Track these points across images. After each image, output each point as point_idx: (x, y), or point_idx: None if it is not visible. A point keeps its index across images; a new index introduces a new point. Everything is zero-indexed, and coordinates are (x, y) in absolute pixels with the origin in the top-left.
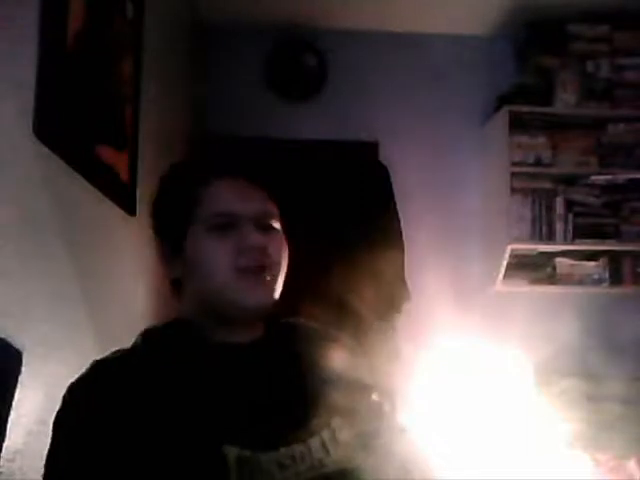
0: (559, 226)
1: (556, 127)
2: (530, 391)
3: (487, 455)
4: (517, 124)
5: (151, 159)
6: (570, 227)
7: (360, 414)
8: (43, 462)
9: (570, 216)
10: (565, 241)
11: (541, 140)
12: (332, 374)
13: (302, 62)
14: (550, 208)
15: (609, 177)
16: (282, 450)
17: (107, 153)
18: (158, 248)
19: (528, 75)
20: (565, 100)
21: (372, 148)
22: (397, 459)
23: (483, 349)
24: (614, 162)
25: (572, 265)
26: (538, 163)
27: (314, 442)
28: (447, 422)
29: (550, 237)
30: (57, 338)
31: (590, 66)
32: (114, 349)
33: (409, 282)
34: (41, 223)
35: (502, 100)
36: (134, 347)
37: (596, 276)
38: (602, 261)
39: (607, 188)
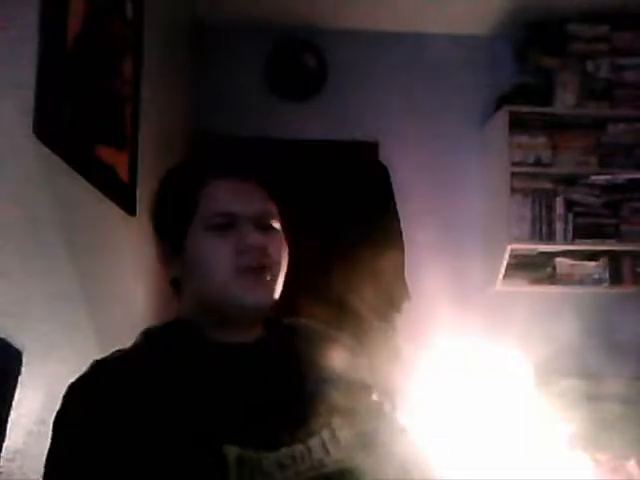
0: (559, 226)
1: (556, 127)
2: (530, 391)
3: (487, 455)
4: (517, 124)
5: (151, 159)
6: (570, 227)
7: (360, 414)
8: (43, 462)
9: (570, 216)
10: (565, 241)
11: (541, 140)
12: (332, 374)
13: (302, 62)
14: (550, 208)
15: (609, 177)
16: (282, 450)
17: (107, 153)
18: (158, 248)
19: (528, 75)
20: (565, 100)
21: (372, 148)
22: (397, 459)
23: (483, 349)
24: (614, 162)
25: (572, 265)
26: (538, 163)
27: (314, 442)
28: (447, 422)
29: (550, 237)
30: (57, 338)
31: (590, 66)
32: (114, 349)
33: (409, 282)
34: (41, 223)
35: (502, 100)
36: (135, 347)
37: (596, 276)
38: (602, 261)
39: (607, 188)
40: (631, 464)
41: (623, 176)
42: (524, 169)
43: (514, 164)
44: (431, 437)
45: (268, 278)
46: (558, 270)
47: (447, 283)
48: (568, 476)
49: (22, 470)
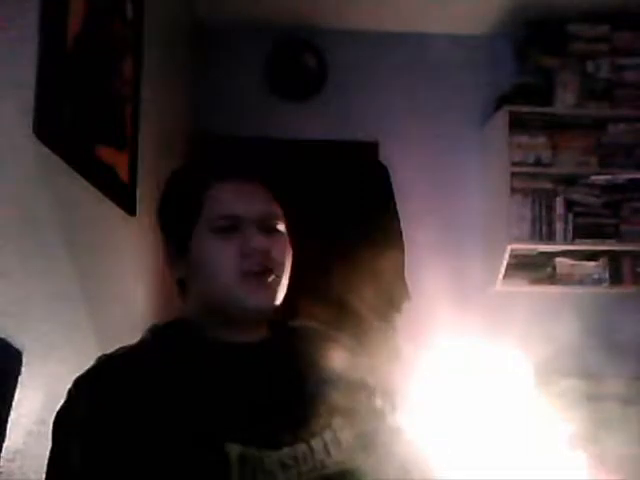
0: (559, 226)
1: (556, 127)
2: (530, 391)
3: (487, 455)
4: (517, 124)
5: (151, 159)
6: (570, 227)
7: (360, 414)
8: (43, 462)
9: (570, 216)
10: (565, 241)
11: (541, 140)
12: (334, 375)
13: (302, 62)
14: (550, 208)
15: (609, 177)
16: (285, 450)
17: (107, 153)
18: (163, 248)
19: (528, 75)
20: (565, 100)
21: (372, 148)
22: (397, 459)
23: (483, 349)
24: (614, 162)
25: (572, 265)
26: (538, 163)
27: (316, 443)
28: (447, 422)
29: (550, 237)
30: (57, 338)
31: (590, 66)
32: (113, 349)
33: (409, 282)
34: (41, 223)
35: (502, 100)
36: (141, 343)
37: (596, 276)
38: (602, 261)
39: (607, 188)
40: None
41: (623, 176)
42: (524, 169)
43: (514, 164)
44: (431, 437)
45: (271, 281)
46: (558, 270)
47: (447, 283)
48: (568, 476)
49: (22, 470)
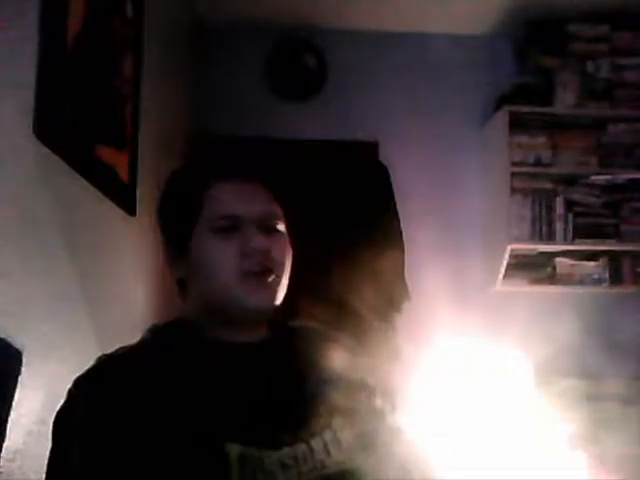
0: (559, 226)
1: (556, 127)
2: (530, 391)
3: (487, 455)
4: (517, 124)
5: (151, 159)
6: (570, 227)
7: (360, 414)
8: (43, 462)
9: (570, 216)
10: (565, 241)
11: (541, 140)
12: (333, 375)
13: (302, 62)
14: (550, 208)
15: (609, 177)
16: (285, 450)
17: (107, 153)
18: (163, 248)
19: (528, 75)
20: (565, 100)
21: (372, 148)
22: (397, 459)
23: (483, 349)
24: (614, 162)
25: (572, 265)
26: (538, 163)
27: (316, 443)
28: (447, 422)
29: (550, 237)
30: (57, 338)
31: (590, 66)
32: (114, 349)
33: (409, 282)
34: (41, 223)
35: (502, 100)
36: (141, 343)
37: (596, 276)
38: (602, 261)
39: (607, 188)
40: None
41: (623, 176)
42: (524, 169)
43: (514, 164)
44: (431, 437)
45: (271, 281)
46: (558, 270)
47: (447, 283)
48: (568, 476)
49: (22, 470)
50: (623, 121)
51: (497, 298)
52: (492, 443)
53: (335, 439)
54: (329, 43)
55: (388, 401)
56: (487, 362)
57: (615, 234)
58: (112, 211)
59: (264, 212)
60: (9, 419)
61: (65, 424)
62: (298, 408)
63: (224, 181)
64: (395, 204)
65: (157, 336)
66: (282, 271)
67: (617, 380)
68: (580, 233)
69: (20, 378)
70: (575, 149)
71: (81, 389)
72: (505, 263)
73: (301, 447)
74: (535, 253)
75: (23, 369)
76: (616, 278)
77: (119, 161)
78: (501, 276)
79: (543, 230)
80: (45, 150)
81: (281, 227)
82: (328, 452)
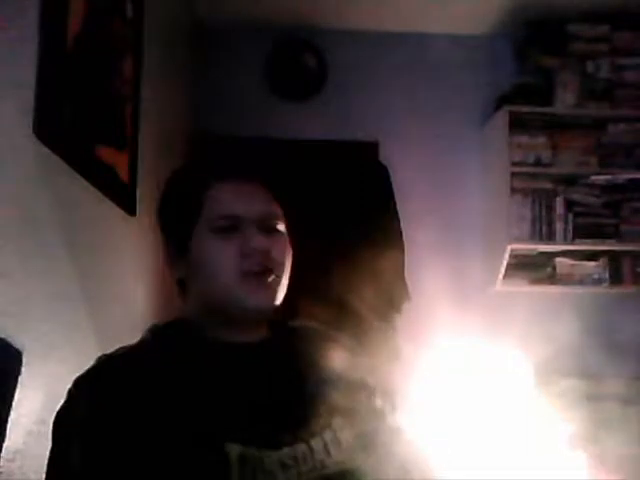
0: (559, 226)
1: (556, 127)
2: (530, 391)
3: (487, 455)
4: (517, 124)
5: (151, 159)
6: (570, 227)
7: (360, 414)
8: (43, 462)
9: (570, 216)
10: (565, 241)
11: (541, 140)
12: (333, 375)
13: (302, 62)
14: (550, 208)
15: (609, 177)
16: (285, 450)
17: (107, 153)
18: (163, 248)
19: (528, 75)
20: (565, 100)
21: (372, 148)
22: (397, 459)
23: (483, 349)
24: (614, 162)
25: (572, 265)
26: (538, 163)
27: (316, 443)
28: (447, 422)
29: (550, 237)
30: (57, 338)
31: (590, 66)
32: (113, 349)
33: (409, 282)
34: (41, 223)
35: (502, 100)
36: (141, 343)
37: (596, 276)
38: (602, 261)
39: (607, 188)
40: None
41: (623, 176)
42: (524, 169)
43: (514, 164)
44: (431, 437)
45: (271, 281)
46: (558, 270)
47: (447, 283)
48: (568, 476)
49: (22, 470)
50: (623, 121)
51: (497, 298)
52: (492, 443)
53: (335, 439)
54: (329, 43)
55: (388, 401)
56: (487, 362)
57: (615, 234)
58: (112, 211)
59: (264, 212)
60: (9, 419)
61: (65, 424)
62: (298, 408)
63: (224, 181)
64: (395, 204)
65: (157, 336)
66: (282, 271)
67: (617, 380)
68: (580, 233)
69: (20, 378)
70: (575, 149)
71: (81, 389)
72: (505, 263)
73: (301, 447)
74: (535, 253)
75: (23, 369)
76: (616, 278)
77: (119, 161)
78: (501, 276)
79: (543, 230)
80: (45, 150)
81: (281, 227)
82: (328, 452)
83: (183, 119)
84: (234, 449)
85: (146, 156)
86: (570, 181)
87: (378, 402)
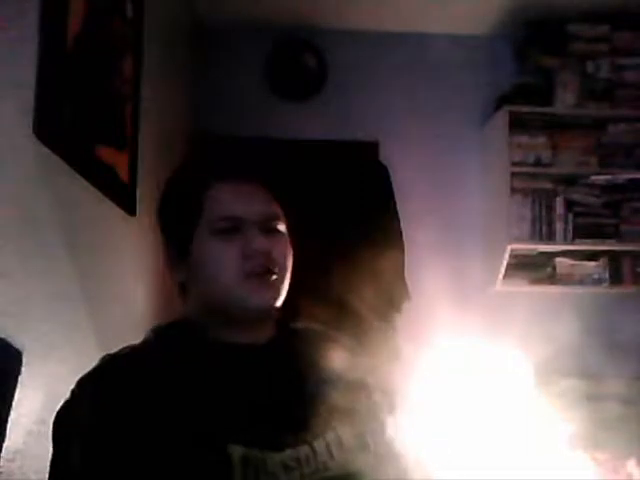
0: (559, 226)
1: (556, 127)
2: (530, 391)
3: (487, 455)
4: (517, 124)
5: (151, 159)
6: (570, 227)
7: (361, 415)
8: (43, 462)
9: (570, 216)
10: (565, 241)
11: (541, 140)
12: (335, 377)
13: (302, 62)
14: (550, 208)
15: (609, 177)
16: (287, 452)
17: (107, 153)
18: (164, 251)
19: (528, 75)
20: (565, 100)
21: (372, 148)
22: (397, 459)
23: (483, 349)
24: (614, 162)
25: (572, 265)
26: (538, 163)
27: (319, 445)
28: (447, 422)
29: (550, 237)
30: (57, 338)
31: (590, 66)
32: (113, 349)
33: (409, 282)
34: (41, 223)
35: (502, 100)
36: (144, 344)
37: (596, 276)
38: (602, 261)
39: (607, 188)
40: (631, 464)
41: (623, 176)
42: (524, 169)
43: (514, 164)
44: (431, 437)
45: (273, 281)
46: (558, 270)
47: (447, 283)
48: (568, 476)
49: (22, 470)
50: (623, 121)
51: (497, 298)
52: (492, 443)
53: (337, 441)
54: (329, 43)
55: (388, 401)
56: (487, 362)
57: (615, 234)
58: (112, 211)
59: (265, 213)
60: (9, 419)
61: (67, 424)
62: (300, 409)
63: (224, 181)
64: (395, 204)
65: (160, 336)
66: (283, 271)
67: (617, 380)
68: (580, 233)
69: (20, 378)
70: (575, 149)
71: (84, 389)
72: (505, 263)
73: (304, 449)
74: (535, 253)
75: (23, 369)
76: (616, 278)
77: (119, 161)
78: (501, 276)
79: (543, 230)
80: (45, 150)
81: (282, 227)
82: (331, 454)
83: (183, 119)
84: (237, 450)
85: (146, 156)
86: (570, 181)
87: (378, 402)
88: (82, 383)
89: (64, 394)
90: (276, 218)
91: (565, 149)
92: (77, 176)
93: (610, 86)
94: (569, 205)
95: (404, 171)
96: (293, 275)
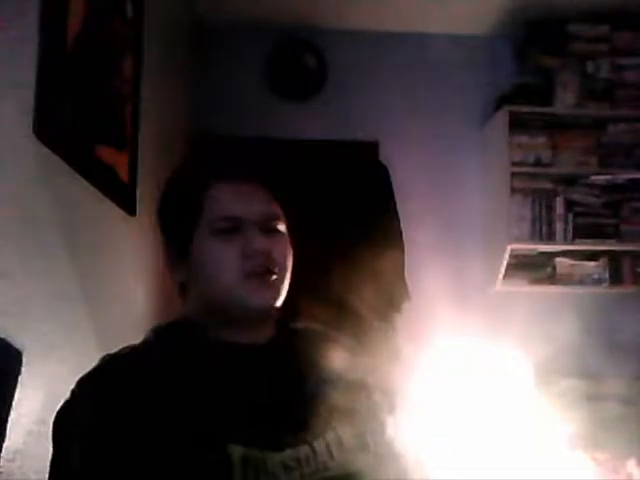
0: (559, 226)
1: (556, 127)
2: (530, 391)
3: (487, 455)
4: (517, 124)
5: (151, 159)
6: (570, 227)
7: (361, 415)
8: (43, 462)
9: (570, 216)
10: (565, 241)
11: (541, 140)
12: (336, 377)
13: (302, 62)
14: (550, 208)
15: (609, 177)
16: (287, 451)
17: (107, 153)
18: (164, 251)
19: (528, 75)
20: (565, 100)
21: (372, 148)
22: (397, 459)
23: (483, 349)
24: (614, 162)
25: (572, 265)
26: (538, 163)
27: (319, 445)
28: (447, 422)
29: (550, 237)
30: (57, 338)
31: (590, 66)
32: (113, 349)
33: (409, 282)
34: (41, 223)
35: (502, 100)
36: (144, 344)
37: (596, 276)
38: (602, 261)
39: (607, 188)
40: (631, 464)
41: (623, 176)
42: (524, 169)
43: (514, 164)
44: (431, 437)
45: (273, 280)
46: (558, 270)
47: (447, 283)
48: (568, 476)
49: (22, 470)
50: (623, 121)
51: (497, 298)
52: (492, 443)
53: (338, 441)
54: (329, 43)
55: (388, 401)
56: (487, 362)
57: (615, 234)
58: (112, 211)
59: (265, 213)
60: (9, 419)
61: (67, 424)
62: (301, 409)
63: (224, 181)
64: (395, 204)
65: (160, 336)
66: (284, 271)
67: (617, 380)
68: (580, 233)
69: (20, 378)
70: (575, 149)
71: (84, 389)
72: (505, 263)
73: (304, 449)
74: (535, 253)
75: (23, 369)
76: (616, 278)
77: (119, 161)
78: (501, 276)
79: (543, 230)
80: (45, 150)
81: (282, 227)
82: (331, 454)
83: (183, 119)
84: (237, 450)
85: (146, 156)
86: (570, 181)
87: (378, 402)
88: (82, 383)
89: (64, 394)
90: (276, 218)
91: (565, 149)
92: (77, 176)
93: (610, 86)
94: (569, 205)
95: (404, 171)
96: (293, 275)
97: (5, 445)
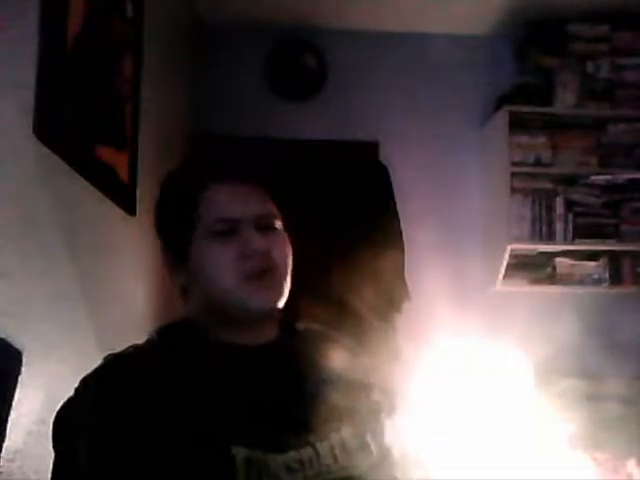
0: (559, 226)
1: (556, 127)
2: (530, 391)
3: (487, 455)
4: (517, 124)
5: (151, 159)
6: (570, 227)
7: (362, 416)
8: (43, 462)
9: (570, 216)
10: (565, 241)
11: (541, 140)
12: (338, 378)
13: (302, 62)
14: (550, 208)
15: (609, 177)
16: (290, 453)
17: (107, 153)
18: (163, 255)
19: (528, 75)
20: (565, 100)
21: (372, 148)
22: (397, 459)
23: (483, 349)
24: (614, 162)
25: (572, 265)
26: (538, 163)
27: (323, 447)
28: (447, 422)
29: (550, 237)
30: (57, 338)
31: (590, 66)
32: (113, 349)
33: (409, 282)
34: (41, 223)
35: (502, 100)
36: (148, 344)
37: (596, 276)
38: (602, 261)
39: (607, 188)
40: (631, 464)
41: (623, 176)
42: (524, 169)
43: (514, 164)
44: (431, 437)
45: (273, 280)
46: (558, 270)
47: (447, 283)
48: (568, 476)
49: (22, 470)
50: (623, 121)
51: (497, 298)
52: (492, 443)
53: (341, 443)
54: (329, 43)
55: (388, 401)
56: (487, 362)
57: (615, 234)
58: (112, 211)
59: (261, 212)
60: (9, 419)
61: (69, 423)
62: (304, 411)
63: (220, 182)
64: (395, 204)
65: (163, 337)
66: (284, 270)
67: (617, 380)
68: (580, 233)
69: (20, 378)
70: (575, 149)
71: (88, 388)
72: (505, 263)
73: (307, 451)
74: (535, 253)
75: (23, 369)
76: (616, 278)
77: (119, 161)
78: (501, 276)
79: (543, 230)
80: (45, 150)
81: (279, 225)
82: (334, 456)
83: (183, 119)
84: (240, 452)
85: (146, 156)
86: (570, 181)
87: (379, 402)
88: (86, 382)
89: (64, 394)
90: (272, 216)
91: (565, 149)
92: (77, 176)
93: (610, 86)
94: (569, 205)
95: (404, 171)
96: (293, 275)
97: (5, 445)
